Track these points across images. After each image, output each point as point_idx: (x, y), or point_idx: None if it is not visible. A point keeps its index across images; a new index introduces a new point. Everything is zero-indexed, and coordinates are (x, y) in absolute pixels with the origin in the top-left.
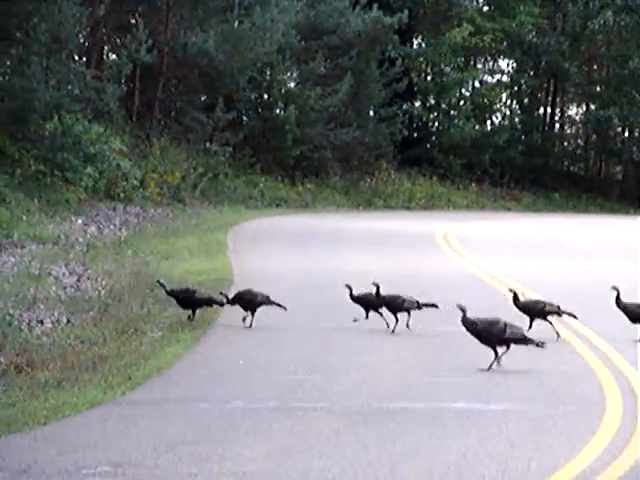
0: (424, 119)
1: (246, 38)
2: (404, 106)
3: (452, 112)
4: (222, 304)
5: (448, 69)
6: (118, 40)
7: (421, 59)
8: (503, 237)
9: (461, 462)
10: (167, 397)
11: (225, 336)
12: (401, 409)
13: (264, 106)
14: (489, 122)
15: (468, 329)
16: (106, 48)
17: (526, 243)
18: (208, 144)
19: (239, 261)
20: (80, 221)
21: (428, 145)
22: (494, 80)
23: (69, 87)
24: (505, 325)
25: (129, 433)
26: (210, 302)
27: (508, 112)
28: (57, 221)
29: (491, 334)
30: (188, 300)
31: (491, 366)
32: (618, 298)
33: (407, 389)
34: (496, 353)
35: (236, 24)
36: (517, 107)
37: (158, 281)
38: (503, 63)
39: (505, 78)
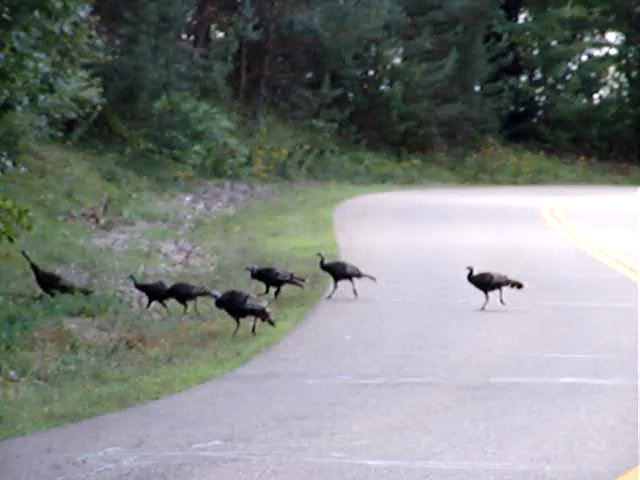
0: (530, 93)
1: (352, 15)
2: (510, 81)
3: (559, 86)
4: (88, 292)
5: (554, 43)
6: (225, 18)
7: (527, 33)
8: (611, 211)
9: (570, 437)
10: (276, 372)
11: (332, 311)
12: (509, 384)
13: (370, 82)
14: (597, 96)
15: (217, 304)
16: (213, 26)
17: (636, 218)
18: (314, 121)
19: (345, 237)
20: (188, 198)
21: (534, 119)
22: (602, 53)
23: (177, 65)
24: (246, 297)
25: (239, 408)
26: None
27: (616, 85)
28: (166, 199)
29: (233, 305)
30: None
31: (235, 333)
32: (322, 262)
33: (515, 364)
34: (238, 322)
35: (342, 1)
36: (625, 80)
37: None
38: (611, 36)
39: (613, 51)
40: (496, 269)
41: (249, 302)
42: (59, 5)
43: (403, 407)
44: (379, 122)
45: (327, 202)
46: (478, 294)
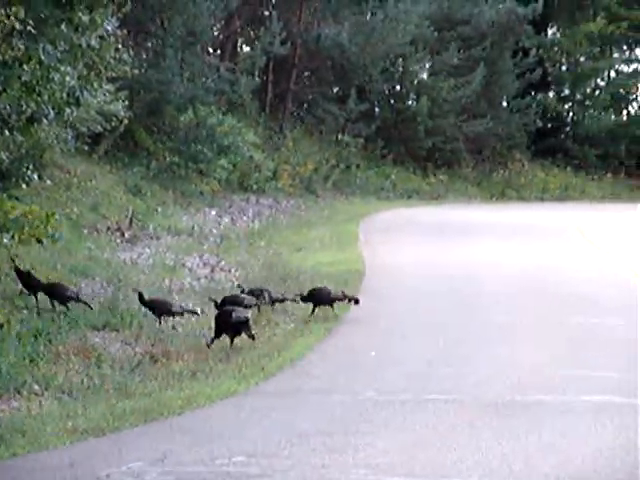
0: (558, 109)
1: (379, 29)
2: (538, 96)
3: (587, 102)
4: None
5: (583, 59)
6: (252, 32)
7: (555, 49)
8: None
9: (597, 455)
10: (300, 388)
11: (357, 328)
12: (535, 402)
13: (396, 97)
14: (625, 112)
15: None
16: (240, 40)
17: None
18: (340, 135)
19: (371, 252)
20: (214, 212)
21: (562, 136)
22: (630, 69)
23: (203, 79)
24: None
25: (262, 424)
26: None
27: None
28: (191, 213)
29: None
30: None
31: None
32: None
33: (541, 382)
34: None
35: (369, 16)
36: None
37: None
38: None
39: None
40: (520, 284)
41: (234, 315)
42: (86, 19)
43: (428, 424)
44: (405, 137)
45: (353, 217)
46: (500, 311)
